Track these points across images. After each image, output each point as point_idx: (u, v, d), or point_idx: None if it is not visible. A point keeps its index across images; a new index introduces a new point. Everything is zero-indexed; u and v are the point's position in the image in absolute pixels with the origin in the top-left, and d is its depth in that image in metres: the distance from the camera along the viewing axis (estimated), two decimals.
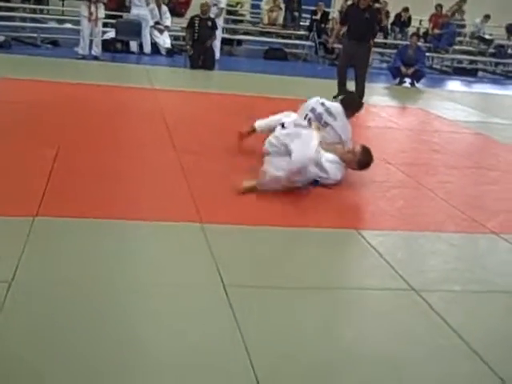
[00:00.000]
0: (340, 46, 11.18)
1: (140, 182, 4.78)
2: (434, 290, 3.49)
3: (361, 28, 9.22)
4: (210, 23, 11.73)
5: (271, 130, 5.42)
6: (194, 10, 13.17)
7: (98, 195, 4.35)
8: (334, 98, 8.46)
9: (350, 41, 9.40)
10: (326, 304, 3.22)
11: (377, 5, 16.71)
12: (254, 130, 5.74)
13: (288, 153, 4.76)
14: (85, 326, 2.76)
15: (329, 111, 5.63)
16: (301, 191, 4.80)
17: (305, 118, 5.54)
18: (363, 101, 8.80)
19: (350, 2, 12.10)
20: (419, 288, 3.45)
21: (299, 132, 4.95)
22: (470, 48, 17.32)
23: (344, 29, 9.84)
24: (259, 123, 5.71)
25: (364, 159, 5.16)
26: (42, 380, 2.39)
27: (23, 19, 14.82)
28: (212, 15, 12.27)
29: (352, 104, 5.99)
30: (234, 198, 4.57)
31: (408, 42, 12.90)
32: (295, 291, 3.30)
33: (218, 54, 13.16)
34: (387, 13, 16.81)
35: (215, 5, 12.84)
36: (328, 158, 5.05)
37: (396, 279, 3.56)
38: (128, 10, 13.77)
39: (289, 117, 5.42)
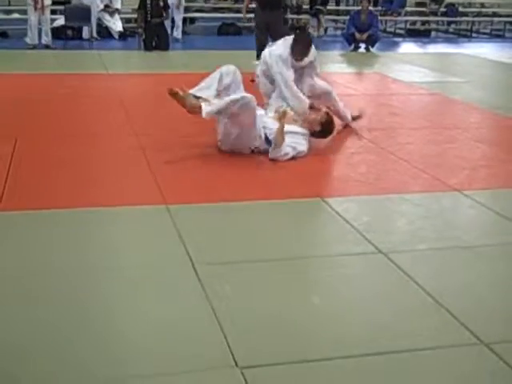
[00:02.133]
0: None
1: (102, 169, 4.74)
2: (402, 250, 3.54)
3: None
4: (161, 3, 11.56)
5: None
6: None
7: (59, 185, 4.31)
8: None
9: (262, 11, 8.92)
10: (296, 274, 3.24)
11: None
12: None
13: None
14: (55, 314, 2.74)
15: None
16: (263, 163, 4.84)
17: None
18: None
19: None
20: (387, 250, 3.49)
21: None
22: (422, 9, 17.40)
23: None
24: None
25: (328, 118, 5.31)
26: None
27: None
28: None
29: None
30: (196, 178, 4.57)
31: (359, 8, 12.91)
32: (264, 264, 3.32)
33: (180, 34, 13.13)
34: None
35: None
36: (292, 131, 5.08)
37: (364, 243, 3.60)
38: None
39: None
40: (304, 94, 5.63)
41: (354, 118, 6.21)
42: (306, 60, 5.70)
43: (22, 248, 3.38)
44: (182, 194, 4.26)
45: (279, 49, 5.73)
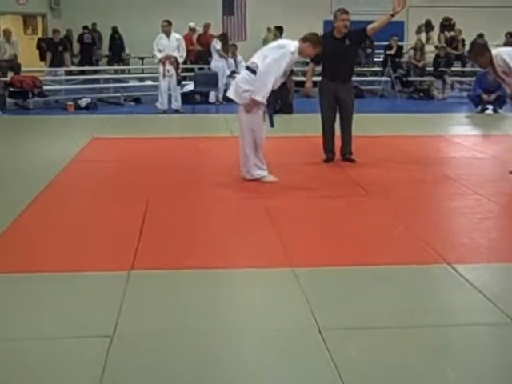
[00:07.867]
0: None
1: (229, 231, 4.84)
2: None
3: (342, 63, 6.97)
4: None
5: None
6: None
7: (189, 246, 4.45)
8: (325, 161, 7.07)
9: (331, 82, 7.16)
10: (425, 343, 3.13)
11: (452, 33, 16.63)
12: None
13: None
14: (186, 375, 2.80)
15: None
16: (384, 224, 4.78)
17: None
18: (352, 153, 7.27)
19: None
20: None
21: None
22: None
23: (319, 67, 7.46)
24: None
25: None
26: None
27: (106, 80, 15.51)
28: None
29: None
30: (321, 240, 4.58)
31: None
32: (390, 331, 3.24)
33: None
34: (463, 41, 16.60)
35: None
36: None
37: (497, 314, 3.43)
38: (206, 62, 14.25)
39: None
40: None
41: None
42: None
43: (154, 308, 3.49)
44: (308, 256, 4.26)
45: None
